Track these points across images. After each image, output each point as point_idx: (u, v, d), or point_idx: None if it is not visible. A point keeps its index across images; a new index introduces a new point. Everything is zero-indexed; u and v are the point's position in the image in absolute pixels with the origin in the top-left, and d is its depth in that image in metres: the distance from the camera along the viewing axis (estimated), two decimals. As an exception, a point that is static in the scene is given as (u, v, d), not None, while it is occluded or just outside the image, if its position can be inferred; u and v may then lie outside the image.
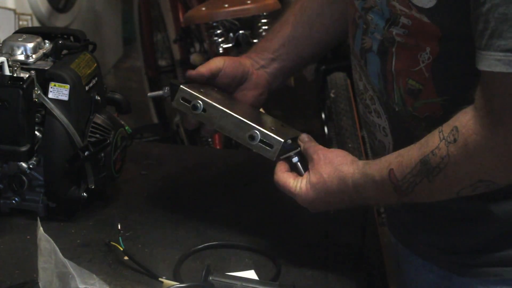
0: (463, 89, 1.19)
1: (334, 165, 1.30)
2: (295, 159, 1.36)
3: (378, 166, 1.25)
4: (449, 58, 1.20)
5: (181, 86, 1.40)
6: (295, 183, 1.33)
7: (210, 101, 1.39)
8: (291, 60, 1.55)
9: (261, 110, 2.23)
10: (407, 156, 1.21)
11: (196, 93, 1.40)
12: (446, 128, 1.17)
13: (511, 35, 1.06)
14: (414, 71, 1.24)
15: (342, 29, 1.46)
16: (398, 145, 1.27)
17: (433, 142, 1.18)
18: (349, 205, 1.32)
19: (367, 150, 2.63)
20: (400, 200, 1.26)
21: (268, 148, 1.35)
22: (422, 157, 1.19)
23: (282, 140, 1.35)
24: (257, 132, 1.36)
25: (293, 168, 1.36)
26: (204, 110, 1.39)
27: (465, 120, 1.14)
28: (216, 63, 1.48)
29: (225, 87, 1.50)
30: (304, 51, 1.55)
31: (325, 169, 1.30)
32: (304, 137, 1.38)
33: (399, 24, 1.23)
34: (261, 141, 1.35)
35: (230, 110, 1.39)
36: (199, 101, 1.39)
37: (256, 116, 1.47)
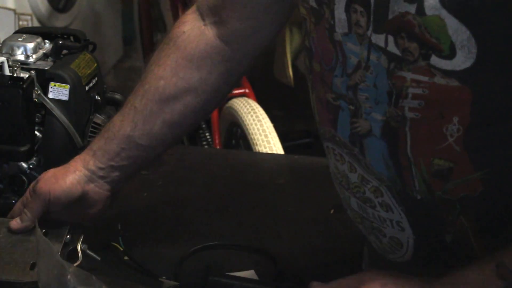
0: (509, 154, 1.00)
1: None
2: None
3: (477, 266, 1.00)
4: (486, 124, 0.99)
5: None
6: None
7: None
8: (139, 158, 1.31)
9: None
10: None
11: None
12: None
13: None
14: (440, 148, 1.02)
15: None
16: (422, 238, 1.09)
17: None
18: None
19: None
20: None
21: None
22: None
23: None
24: None
25: None
26: None
27: None
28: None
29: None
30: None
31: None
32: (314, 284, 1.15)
33: (408, 96, 1.01)
34: None
35: None
36: None
37: None
